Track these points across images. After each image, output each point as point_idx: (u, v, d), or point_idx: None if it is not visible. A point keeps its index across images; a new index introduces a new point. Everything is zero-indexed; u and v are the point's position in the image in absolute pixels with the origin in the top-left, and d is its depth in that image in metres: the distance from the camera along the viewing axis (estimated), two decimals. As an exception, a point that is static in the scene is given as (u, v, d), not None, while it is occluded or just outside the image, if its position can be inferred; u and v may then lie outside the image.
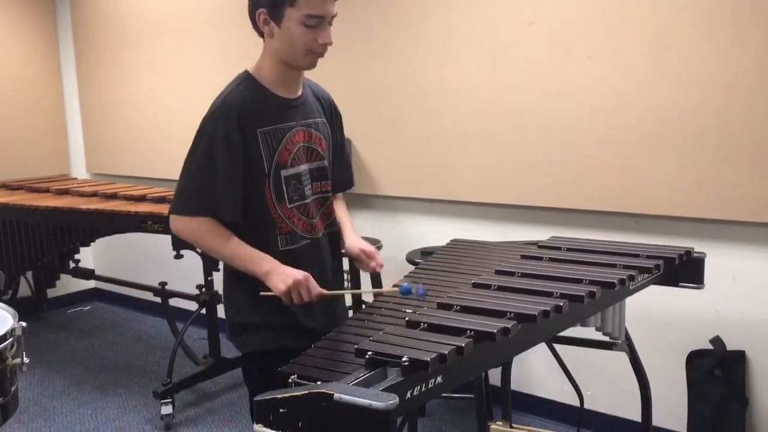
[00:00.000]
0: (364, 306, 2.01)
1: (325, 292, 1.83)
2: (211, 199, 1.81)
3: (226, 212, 1.82)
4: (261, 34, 1.88)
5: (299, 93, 1.96)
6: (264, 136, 1.85)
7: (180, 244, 3.41)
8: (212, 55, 4.37)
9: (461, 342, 1.48)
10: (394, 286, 1.90)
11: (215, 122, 1.81)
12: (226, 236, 1.83)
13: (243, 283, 1.89)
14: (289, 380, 1.46)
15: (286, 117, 1.91)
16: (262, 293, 1.82)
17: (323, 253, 2.01)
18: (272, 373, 1.53)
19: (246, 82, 1.88)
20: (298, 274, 1.79)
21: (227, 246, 1.83)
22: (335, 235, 2.05)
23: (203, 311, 3.82)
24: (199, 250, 3.67)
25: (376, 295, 2.10)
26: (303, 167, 1.93)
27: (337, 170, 2.11)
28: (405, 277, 2.15)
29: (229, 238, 1.83)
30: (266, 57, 1.90)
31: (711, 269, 2.36)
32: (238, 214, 1.84)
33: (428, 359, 1.40)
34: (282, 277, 1.78)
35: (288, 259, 1.85)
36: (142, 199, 3.90)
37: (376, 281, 3.37)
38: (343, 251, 2.12)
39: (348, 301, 3.45)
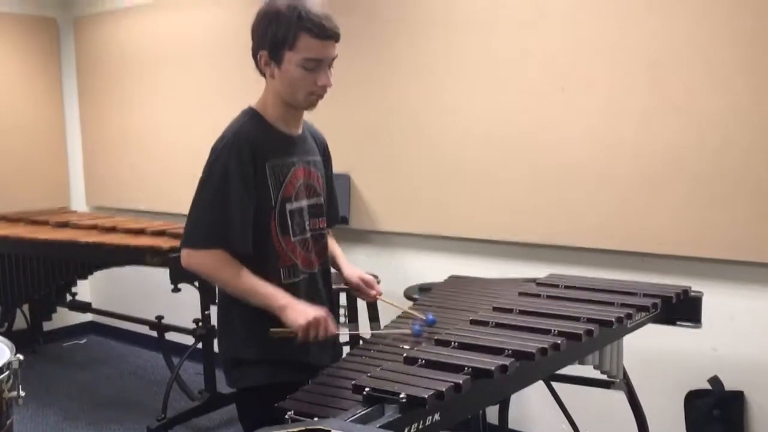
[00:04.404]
0: (361, 342, 2.01)
1: (336, 331, 1.85)
2: (224, 232, 1.82)
3: (239, 244, 1.83)
4: (263, 74, 1.92)
5: (300, 131, 2.01)
6: (272, 169, 1.89)
7: (178, 278, 3.41)
8: (214, 90, 4.42)
9: (459, 379, 1.47)
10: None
11: (228, 155, 1.83)
12: (238, 268, 1.83)
13: (239, 317, 1.90)
14: (286, 416, 1.45)
15: (290, 153, 1.95)
16: (272, 330, 1.80)
17: (320, 288, 2.03)
18: (268, 409, 1.52)
19: (253, 118, 1.92)
20: (318, 311, 1.79)
21: (240, 279, 1.83)
22: (328, 272, 2.08)
23: (199, 345, 3.81)
24: (196, 283, 3.70)
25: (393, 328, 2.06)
26: (304, 203, 1.97)
27: (327, 206, 2.14)
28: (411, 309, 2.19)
29: (241, 270, 1.83)
30: (269, 95, 1.94)
31: (708, 308, 2.36)
32: (249, 245, 1.85)
33: (426, 396, 1.40)
34: (301, 312, 1.78)
35: (289, 292, 1.86)
36: (141, 232, 3.91)
37: (373, 312, 3.37)
38: (338, 286, 2.15)
39: (345, 337, 3.44)
